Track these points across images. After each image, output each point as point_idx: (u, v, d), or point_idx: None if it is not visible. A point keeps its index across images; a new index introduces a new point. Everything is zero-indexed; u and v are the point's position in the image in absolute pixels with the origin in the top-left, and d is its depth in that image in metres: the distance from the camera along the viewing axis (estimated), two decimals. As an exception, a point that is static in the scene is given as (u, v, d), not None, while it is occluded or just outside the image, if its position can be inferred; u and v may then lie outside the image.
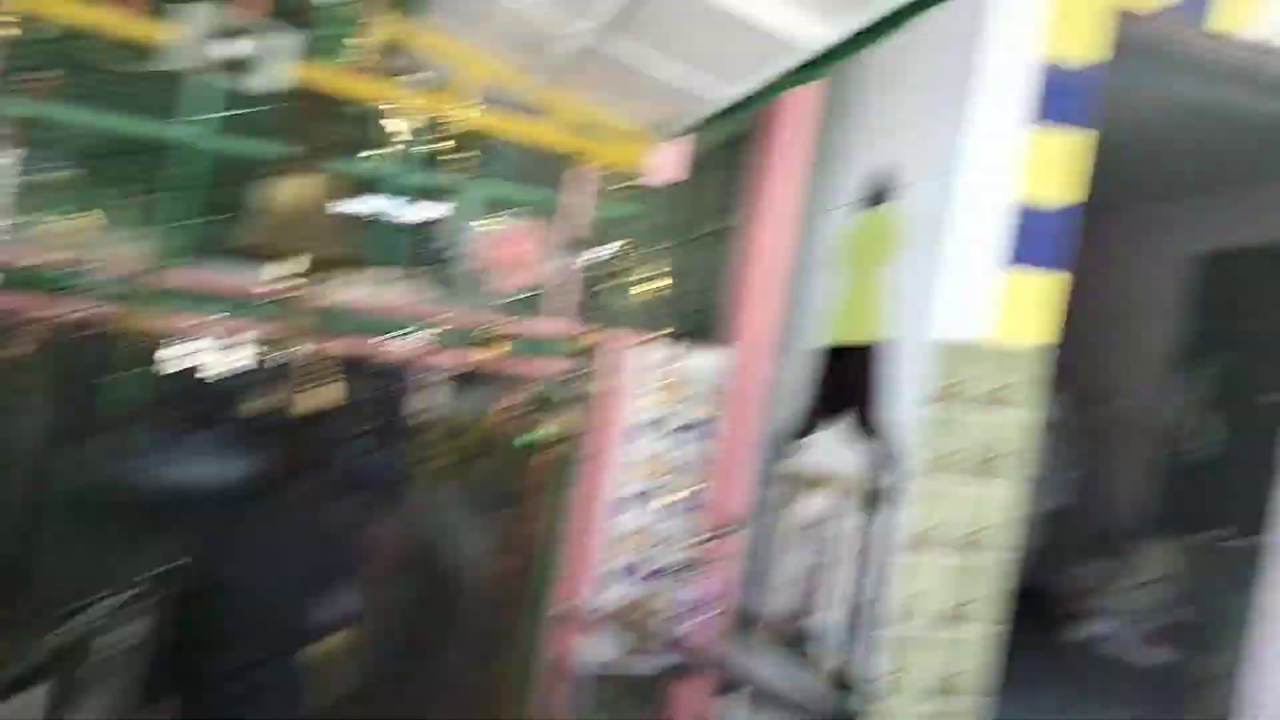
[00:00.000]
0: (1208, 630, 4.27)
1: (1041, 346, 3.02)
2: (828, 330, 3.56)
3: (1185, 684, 4.36)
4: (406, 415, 3.56)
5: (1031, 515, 3.88)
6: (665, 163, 3.57)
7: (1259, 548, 3.71)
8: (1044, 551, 4.86)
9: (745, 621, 3.67)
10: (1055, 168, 2.98)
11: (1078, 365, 5.01)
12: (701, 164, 3.71)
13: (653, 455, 3.58)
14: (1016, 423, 3.00)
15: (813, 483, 3.45)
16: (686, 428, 3.60)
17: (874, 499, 3.07)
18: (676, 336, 3.60)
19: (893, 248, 3.24)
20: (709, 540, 3.61)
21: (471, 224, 3.55)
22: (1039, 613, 4.80)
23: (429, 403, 3.51)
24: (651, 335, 3.58)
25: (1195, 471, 5.32)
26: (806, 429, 3.57)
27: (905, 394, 3.05)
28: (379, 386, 3.38)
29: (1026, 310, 2.99)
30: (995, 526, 3.00)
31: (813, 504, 3.42)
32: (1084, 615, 5.36)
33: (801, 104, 3.58)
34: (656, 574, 3.58)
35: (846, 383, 3.36)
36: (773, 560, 3.61)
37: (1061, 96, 2.94)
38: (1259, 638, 3.62)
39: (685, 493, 3.60)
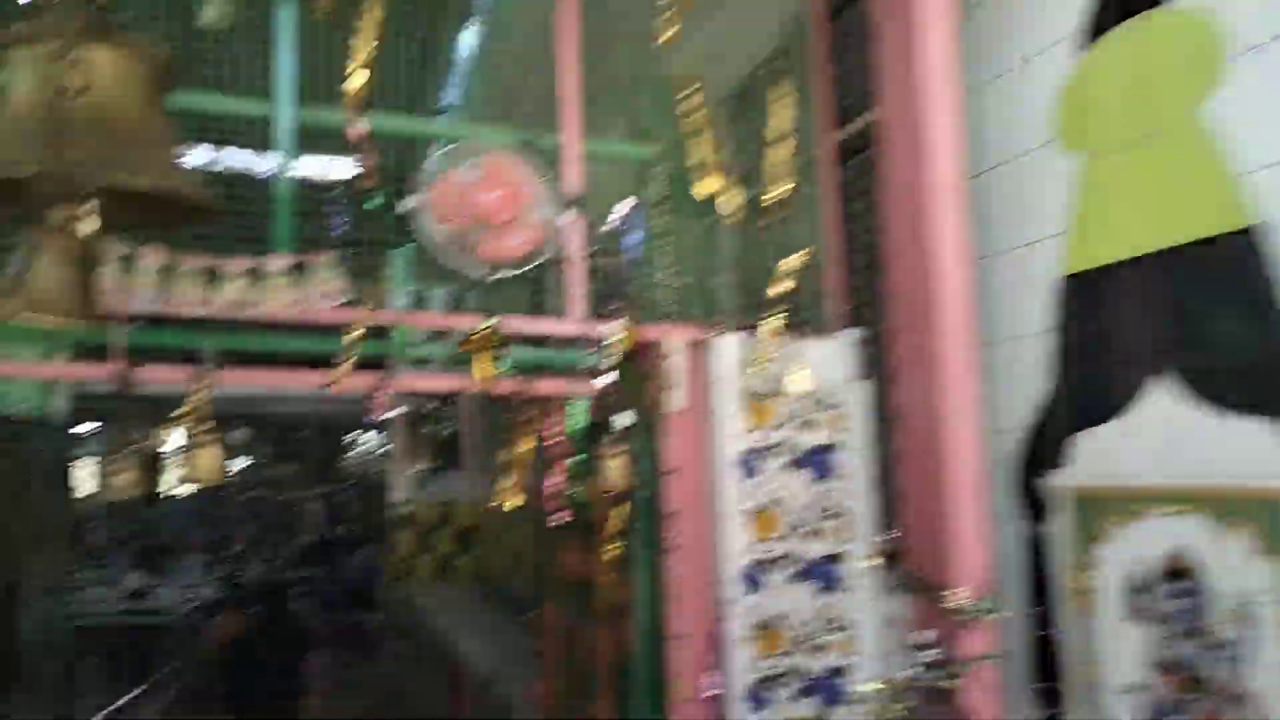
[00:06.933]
0: None
1: None
2: (1089, 247, 1.96)
3: None
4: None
5: None
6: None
7: None
8: None
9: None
10: None
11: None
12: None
13: (773, 499, 2.21)
14: None
15: (1136, 504, 1.84)
16: (820, 452, 2.24)
17: None
18: (783, 322, 2.24)
19: (1210, 70, 1.76)
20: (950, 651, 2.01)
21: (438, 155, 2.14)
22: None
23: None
24: (725, 324, 2.26)
25: None
26: (1081, 419, 1.94)
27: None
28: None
29: None
30: None
31: (1151, 540, 1.82)
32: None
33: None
34: (837, 695, 2.17)
35: (1151, 320, 1.82)
36: (1080, 662, 2.07)
37: None
38: None
39: (859, 553, 2.22)
